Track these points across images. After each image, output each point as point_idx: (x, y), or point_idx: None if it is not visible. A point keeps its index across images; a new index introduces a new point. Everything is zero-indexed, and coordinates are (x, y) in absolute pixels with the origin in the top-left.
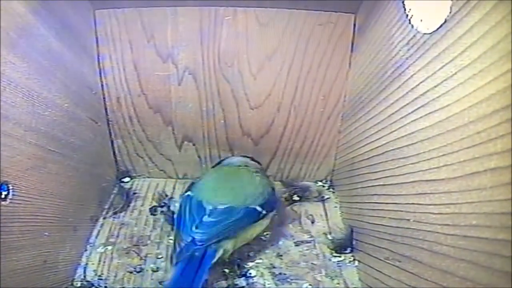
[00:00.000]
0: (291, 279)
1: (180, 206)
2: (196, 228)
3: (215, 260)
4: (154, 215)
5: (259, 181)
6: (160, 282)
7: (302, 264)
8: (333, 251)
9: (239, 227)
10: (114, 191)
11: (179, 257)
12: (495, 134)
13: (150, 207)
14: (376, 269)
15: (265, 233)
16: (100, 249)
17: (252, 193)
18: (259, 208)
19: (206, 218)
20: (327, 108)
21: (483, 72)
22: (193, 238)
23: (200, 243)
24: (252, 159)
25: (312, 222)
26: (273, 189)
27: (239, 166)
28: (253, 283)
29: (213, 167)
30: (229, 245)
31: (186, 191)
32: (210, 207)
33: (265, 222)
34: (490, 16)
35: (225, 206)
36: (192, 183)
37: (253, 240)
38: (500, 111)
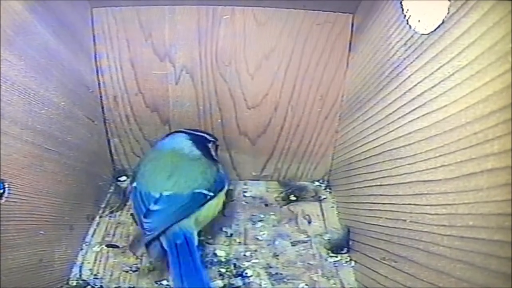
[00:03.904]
0: (288, 279)
1: (132, 199)
2: (145, 217)
3: (196, 242)
4: None
5: (202, 164)
6: (156, 282)
7: (298, 264)
8: (330, 251)
9: (188, 212)
10: (111, 190)
11: (138, 246)
12: (492, 135)
13: None
14: (372, 270)
15: (224, 209)
16: (96, 248)
17: (196, 177)
18: (205, 191)
19: (152, 207)
20: (325, 108)
21: (481, 73)
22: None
23: (149, 232)
24: (196, 136)
25: (309, 222)
26: (217, 168)
27: (175, 150)
28: (249, 283)
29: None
30: (191, 225)
31: (131, 182)
32: (157, 195)
33: (216, 201)
34: (488, 17)
35: (170, 192)
36: (135, 172)
37: (217, 216)
38: (497, 112)
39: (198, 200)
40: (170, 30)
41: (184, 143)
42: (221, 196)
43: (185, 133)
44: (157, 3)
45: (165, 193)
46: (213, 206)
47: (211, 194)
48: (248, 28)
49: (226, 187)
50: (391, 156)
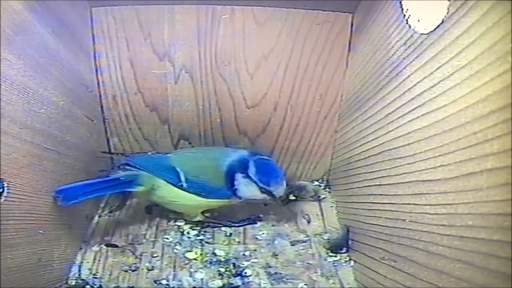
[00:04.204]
0: (287, 279)
1: None
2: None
3: (127, 188)
4: (150, 213)
5: (209, 169)
6: (155, 281)
7: (297, 263)
8: (329, 251)
9: (154, 172)
10: None
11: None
12: (491, 134)
13: (145, 205)
14: (371, 269)
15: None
16: (95, 248)
17: (192, 165)
18: (182, 177)
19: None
20: (324, 107)
21: (480, 72)
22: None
23: (124, 156)
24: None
25: (308, 222)
26: (224, 189)
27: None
28: (248, 282)
29: None
30: (141, 188)
31: None
32: (162, 153)
33: (185, 195)
34: (487, 17)
35: (165, 153)
36: None
37: (170, 208)
38: (496, 112)
39: (170, 175)
40: (169, 29)
41: (228, 153)
42: (193, 199)
43: (244, 157)
44: (156, 3)
45: (166, 153)
46: (175, 194)
47: (184, 183)
48: (248, 27)
49: (205, 200)
50: (391, 155)
